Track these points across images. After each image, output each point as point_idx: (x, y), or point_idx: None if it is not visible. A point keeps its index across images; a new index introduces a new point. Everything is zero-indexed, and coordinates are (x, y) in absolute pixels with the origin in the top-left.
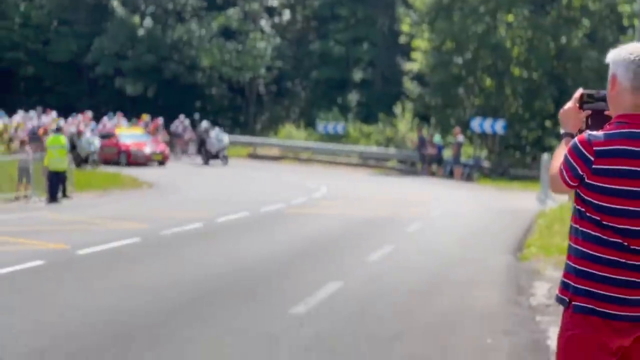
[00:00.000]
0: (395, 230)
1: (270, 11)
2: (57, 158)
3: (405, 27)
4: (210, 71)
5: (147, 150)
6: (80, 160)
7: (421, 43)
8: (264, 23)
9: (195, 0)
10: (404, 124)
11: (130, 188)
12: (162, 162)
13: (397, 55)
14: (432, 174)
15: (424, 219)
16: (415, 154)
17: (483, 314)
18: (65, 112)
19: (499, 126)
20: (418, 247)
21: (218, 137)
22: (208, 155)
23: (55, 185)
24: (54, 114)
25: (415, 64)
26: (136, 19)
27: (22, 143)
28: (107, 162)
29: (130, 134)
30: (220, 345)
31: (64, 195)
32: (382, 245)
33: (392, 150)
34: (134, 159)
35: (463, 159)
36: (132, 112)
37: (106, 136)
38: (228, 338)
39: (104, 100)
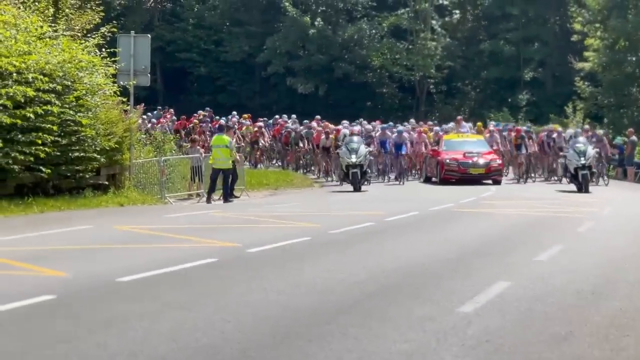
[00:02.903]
0: (565, 230)
1: (441, 10)
2: (221, 157)
3: (577, 26)
4: (380, 70)
5: (467, 162)
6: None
7: (594, 42)
8: (434, 22)
9: (365, 0)
10: (575, 124)
11: (301, 187)
12: (495, 180)
13: (569, 54)
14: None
15: (595, 219)
16: None
17: None
18: (237, 111)
19: None
20: (588, 247)
21: (580, 148)
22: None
23: (223, 184)
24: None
25: (587, 63)
26: (307, 18)
27: (194, 142)
28: (428, 177)
29: (463, 140)
30: (388, 342)
31: (232, 195)
32: (551, 245)
33: None
34: (447, 174)
35: (637, 159)
36: (302, 111)
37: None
38: (395, 335)
39: (275, 99)
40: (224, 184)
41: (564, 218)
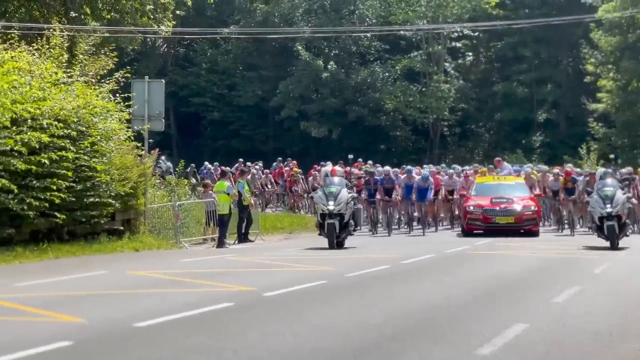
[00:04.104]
0: (581, 271)
1: (454, 53)
2: (220, 203)
3: (590, 67)
4: (394, 113)
5: (493, 210)
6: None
7: (606, 83)
8: (447, 65)
9: (378, 43)
10: (590, 165)
11: (315, 230)
12: (529, 231)
13: (582, 96)
14: None
15: (612, 260)
16: None
17: None
18: (250, 155)
19: None
20: (606, 288)
21: (605, 192)
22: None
23: (223, 229)
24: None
25: (600, 104)
26: (320, 62)
27: (206, 186)
28: (470, 230)
29: (497, 184)
30: None
31: (246, 238)
32: (568, 286)
33: None
34: (470, 224)
35: None
36: (316, 155)
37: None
38: None
39: (289, 143)
40: (220, 229)
41: (580, 259)
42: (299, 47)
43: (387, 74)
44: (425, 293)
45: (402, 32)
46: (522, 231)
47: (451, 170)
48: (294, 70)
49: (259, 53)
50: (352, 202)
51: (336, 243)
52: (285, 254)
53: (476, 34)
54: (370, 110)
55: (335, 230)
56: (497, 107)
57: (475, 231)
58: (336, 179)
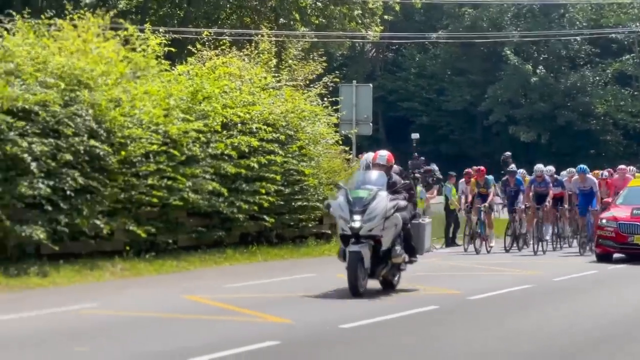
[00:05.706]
0: None
1: None
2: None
3: None
4: (604, 118)
5: (632, 225)
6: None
7: None
8: None
9: (588, 47)
10: None
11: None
12: None
13: None
14: None
15: None
16: None
17: None
18: (459, 160)
19: None
20: None
21: None
22: None
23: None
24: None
25: None
26: (529, 67)
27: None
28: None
29: None
30: None
31: (453, 242)
32: None
33: None
34: (600, 243)
35: None
36: (525, 160)
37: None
38: None
39: (497, 147)
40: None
41: None
42: (508, 52)
43: (597, 77)
44: (632, 299)
45: (613, 35)
46: None
47: None
48: (502, 74)
49: (468, 58)
50: (401, 214)
51: (380, 282)
52: (492, 258)
53: None
54: (580, 114)
55: (363, 264)
56: None
57: (608, 253)
58: (374, 175)
